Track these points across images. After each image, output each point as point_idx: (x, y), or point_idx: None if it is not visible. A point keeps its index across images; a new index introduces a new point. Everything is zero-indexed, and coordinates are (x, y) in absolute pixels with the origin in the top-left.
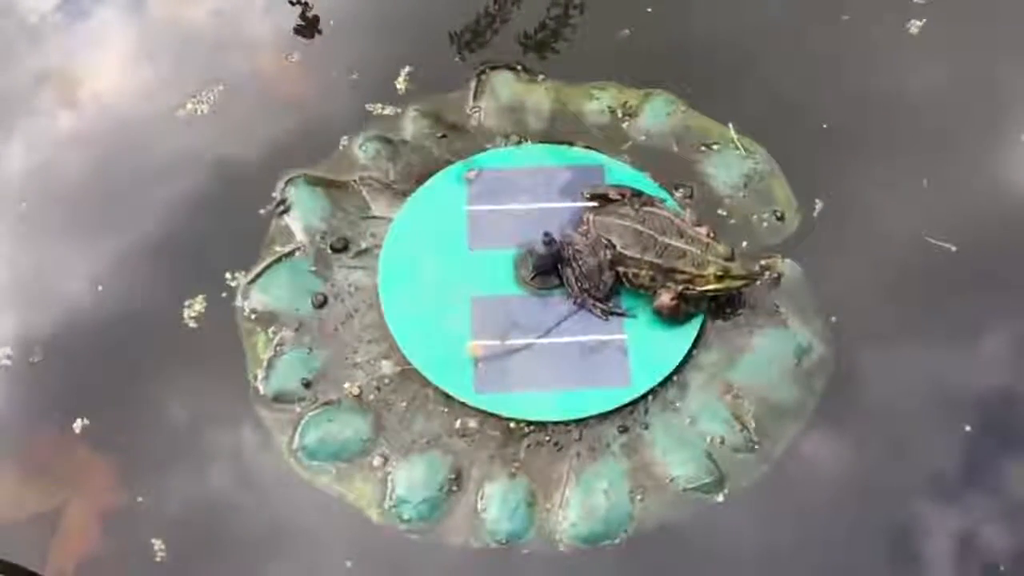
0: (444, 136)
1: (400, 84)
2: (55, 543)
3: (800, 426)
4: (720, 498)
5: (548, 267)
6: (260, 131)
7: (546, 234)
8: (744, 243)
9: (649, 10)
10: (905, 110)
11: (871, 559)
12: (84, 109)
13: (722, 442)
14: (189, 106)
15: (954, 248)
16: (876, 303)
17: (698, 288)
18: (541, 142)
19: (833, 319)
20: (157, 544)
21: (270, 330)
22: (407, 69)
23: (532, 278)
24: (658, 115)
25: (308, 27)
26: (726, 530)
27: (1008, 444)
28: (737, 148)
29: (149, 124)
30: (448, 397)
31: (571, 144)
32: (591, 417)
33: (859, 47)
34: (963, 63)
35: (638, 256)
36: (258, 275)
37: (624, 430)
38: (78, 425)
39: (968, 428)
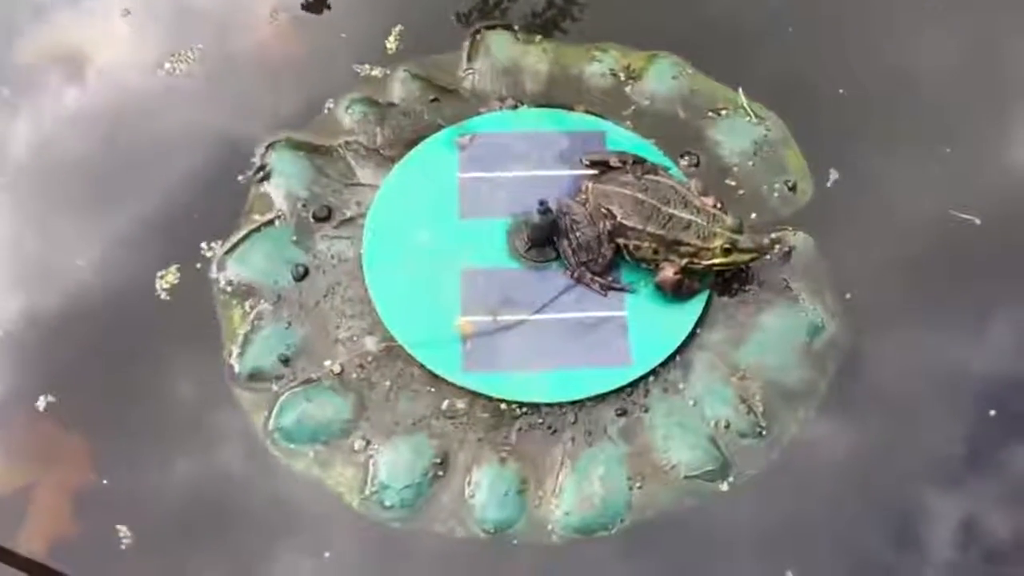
0: (435, 99)
1: (391, 44)
2: (26, 522)
3: (811, 410)
4: (724, 487)
5: (544, 238)
6: (241, 93)
7: (541, 203)
8: (753, 215)
9: None
10: (927, 75)
11: (885, 553)
12: (51, 69)
13: (727, 427)
14: (168, 66)
15: (979, 221)
16: (893, 280)
17: (703, 262)
18: (538, 106)
19: (847, 296)
20: (123, 530)
21: (247, 303)
22: (398, 28)
23: (527, 250)
24: (663, 78)
25: None
26: (730, 521)
27: None
28: (747, 114)
29: (123, 84)
30: (435, 376)
31: (570, 109)
32: (588, 399)
33: (879, 7)
34: (990, 26)
35: (639, 227)
36: (235, 245)
37: (623, 413)
38: (42, 402)
39: (993, 412)
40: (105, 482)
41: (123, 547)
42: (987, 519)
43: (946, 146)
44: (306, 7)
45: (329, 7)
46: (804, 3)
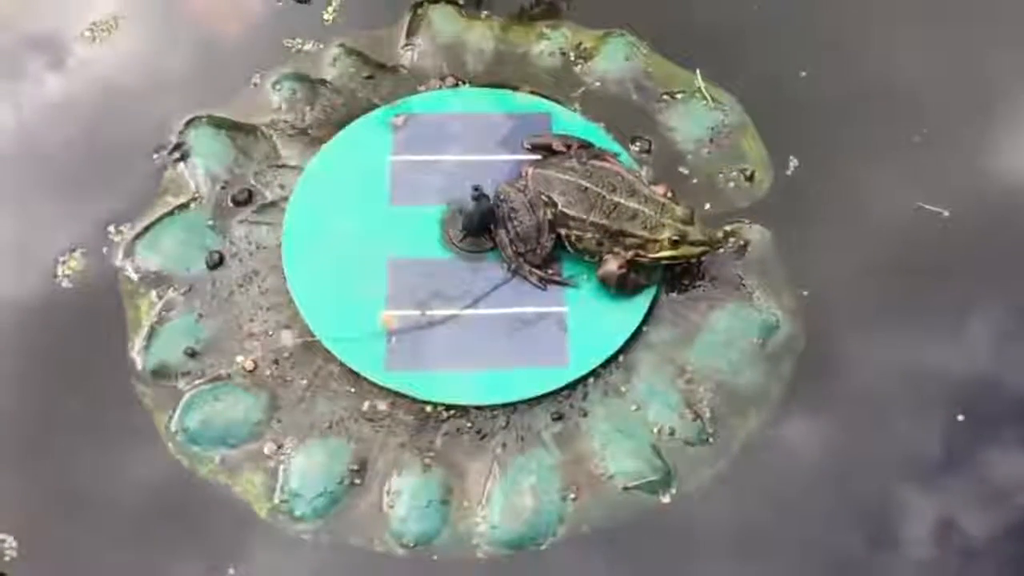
0: (371, 76)
1: (328, 15)
2: None
3: (763, 416)
4: (666, 498)
5: (479, 227)
6: (161, 63)
7: (475, 188)
8: (707, 205)
9: None
10: (896, 58)
11: (838, 566)
12: None
13: (671, 433)
14: (88, 33)
15: (947, 214)
16: (854, 277)
17: (650, 255)
18: (481, 86)
19: (804, 294)
20: (8, 541)
21: (155, 292)
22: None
23: (461, 239)
24: (615, 59)
25: None
26: (672, 536)
27: (995, 432)
28: (704, 98)
29: (38, 50)
30: (355, 375)
31: (515, 89)
32: (521, 402)
33: None
34: (962, 11)
35: (582, 216)
36: (146, 229)
37: (558, 417)
38: None
39: (961, 417)
40: None
41: (7, 558)
42: (948, 526)
43: (915, 134)
44: None
45: None
46: None
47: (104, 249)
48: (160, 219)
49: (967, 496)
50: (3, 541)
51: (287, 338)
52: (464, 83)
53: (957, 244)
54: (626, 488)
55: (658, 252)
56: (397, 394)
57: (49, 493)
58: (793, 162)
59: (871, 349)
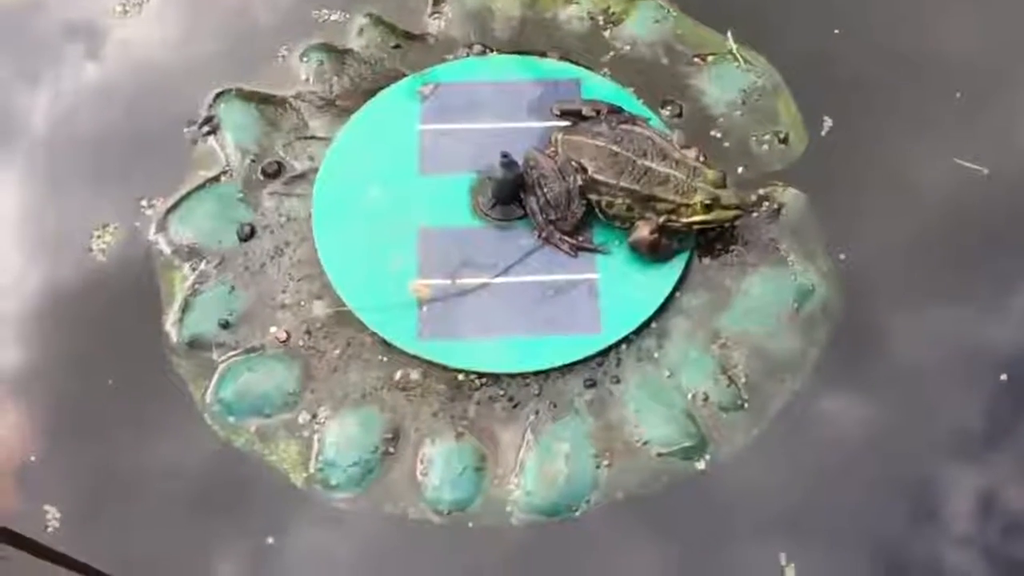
0: (398, 46)
1: None
2: None
3: (799, 382)
4: (701, 465)
5: (509, 195)
6: (190, 38)
7: (504, 155)
8: (740, 169)
9: None
10: (931, 16)
11: (877, 532)
12: None
13: (706, 399)
14: (119, 8)
15: (987, 172)
16: (891, 239)
17: (683, 220)
18: (509, 53)
19: (841, 257)
20: (51, 511)
21: (188, 265)
22: None
23: (491, 207)
24: (645, 22)
25: None
26: (706, 502)
27: None
28: (736, 60)
29: (71, 26)
30: (387, 344)
31: (543, 55)
32: (553, 369)
33: None
34: None
35: (613, 182)
36: (178, 203)
37: (591, 384)
38: None
39: (1004, 377)
40: (33, 459)
41: (50, 529)
42: (990, 498)
43: (955, 89)
44: None
45: None
46: None
47: (137, 223)
48: (192, 192)
49: (1011, 468)
50: (46, 513)
51: (319, 308)
52: (492, 50)
53: (998, 205)
54: (660, 455)
55: (690, 217)
56: (429, 363)
57: (87, 465)
58: (827, 123)
59: (909, 313)
